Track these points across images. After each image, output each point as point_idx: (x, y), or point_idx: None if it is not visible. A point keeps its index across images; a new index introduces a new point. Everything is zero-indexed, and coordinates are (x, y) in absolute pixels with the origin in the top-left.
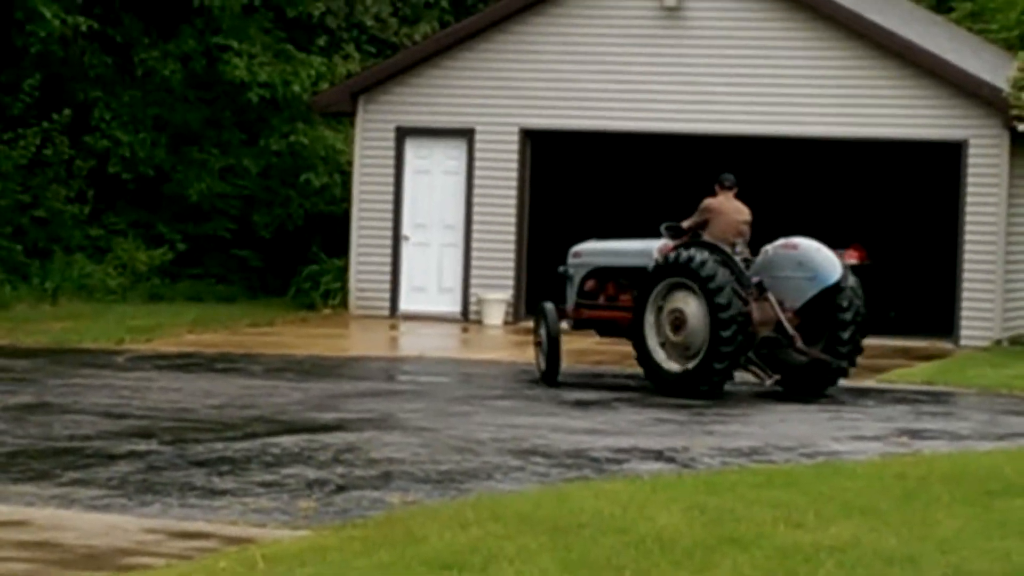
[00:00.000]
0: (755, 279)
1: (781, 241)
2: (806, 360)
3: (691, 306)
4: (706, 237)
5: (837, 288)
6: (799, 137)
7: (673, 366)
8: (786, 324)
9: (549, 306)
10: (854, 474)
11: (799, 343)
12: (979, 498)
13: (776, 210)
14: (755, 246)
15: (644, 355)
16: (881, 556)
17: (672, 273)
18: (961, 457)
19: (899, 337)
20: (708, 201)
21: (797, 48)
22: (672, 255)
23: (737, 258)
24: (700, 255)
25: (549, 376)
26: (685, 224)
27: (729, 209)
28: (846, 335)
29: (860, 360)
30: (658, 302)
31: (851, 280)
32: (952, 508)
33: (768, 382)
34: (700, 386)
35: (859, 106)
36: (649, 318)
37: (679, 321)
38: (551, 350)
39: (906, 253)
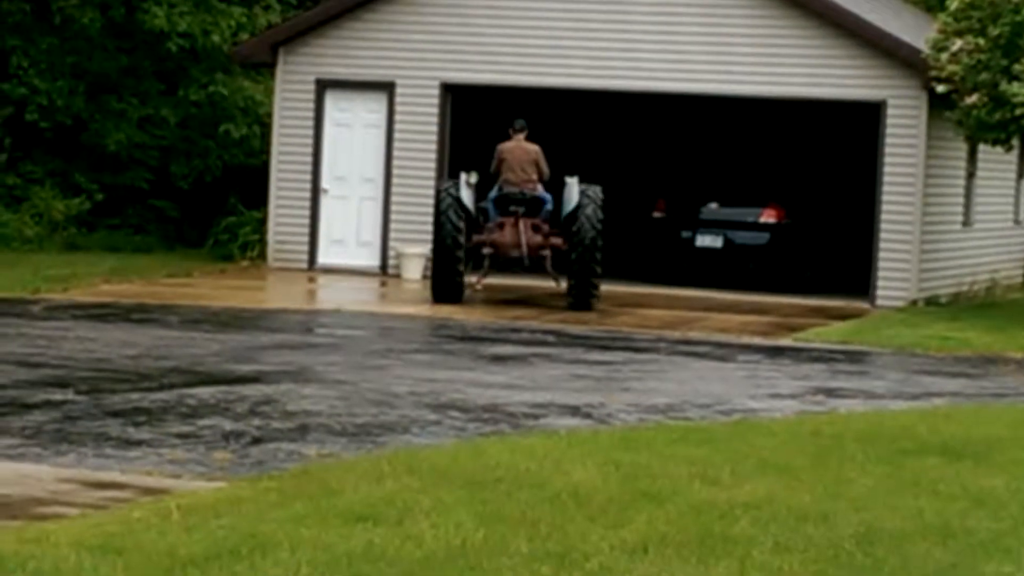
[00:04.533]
0: (520, 210)
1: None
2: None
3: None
4: (503, 176)
5: (572, 218)
6: (719, 95)
7: None
8: (524, 247)
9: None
10: (769, 432)
11: (546, 264)
12: (892, 457)
13: (695, 167)
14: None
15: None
16: (795, 513)
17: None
18: (875, 416)
19: (816, 296)
20: (499, 146)
21: (717, 6)
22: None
23: (512, 189)
24: (443, 187)
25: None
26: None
27: (518, 151)
28: (573, 257)
29: (777, 319)
30: None
31: (586, 211)
32: (866, 466)
33: (478, 285)
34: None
35: (779, 65)
36: None
37: None
38: None
39: (824, 213)
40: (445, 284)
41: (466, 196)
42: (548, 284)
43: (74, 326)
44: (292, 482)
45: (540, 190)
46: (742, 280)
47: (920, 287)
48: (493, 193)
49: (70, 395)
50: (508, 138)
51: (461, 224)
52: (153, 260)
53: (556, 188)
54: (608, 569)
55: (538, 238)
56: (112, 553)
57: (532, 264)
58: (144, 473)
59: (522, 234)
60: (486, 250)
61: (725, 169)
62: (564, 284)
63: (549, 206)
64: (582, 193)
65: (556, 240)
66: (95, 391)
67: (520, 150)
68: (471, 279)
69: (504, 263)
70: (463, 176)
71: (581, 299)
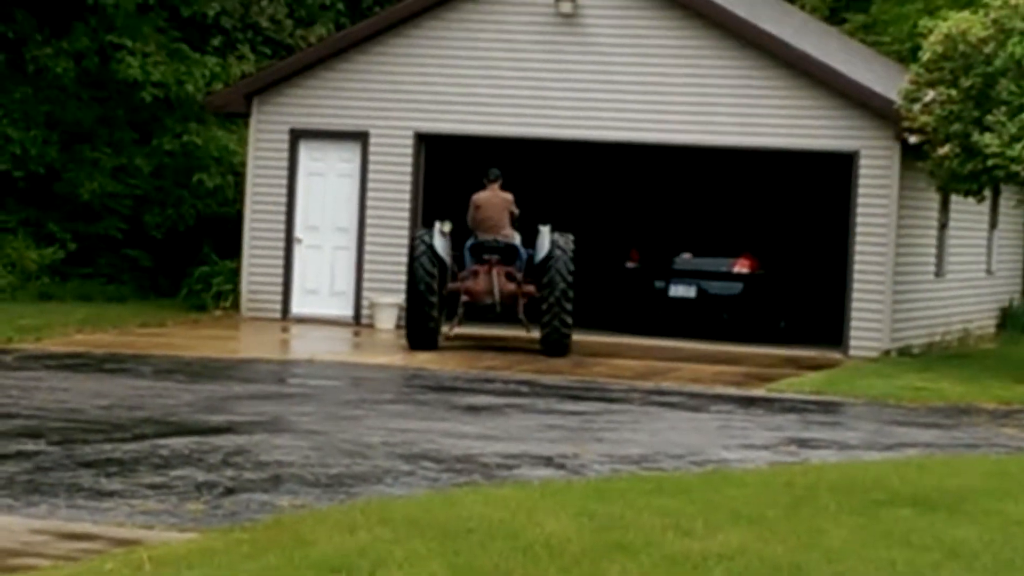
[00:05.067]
0: (494, 258)
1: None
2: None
3: None
4: (478, 225)
5: (543, 265)
6: (692, 145)
7: None
8: (496, 294)
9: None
10: (743, 482)
11: (518, 311)
12: (866, 508)
13: (669, 217)
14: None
15: None
16: (768, 564)
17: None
18: (849, 467)
19: (789, 346)
20: (474, 196)
21: (691, 57)
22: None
23: (486, 237)
24: (418, 235)
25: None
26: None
27: (493, 199)
28: (544, 305)
29: (750, 369)
30: None
31: (557, 258)
32: (839, 517)
33: (451, 333)
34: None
35: (752, 116)
36: None
37: None
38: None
39: (797, 263)
40: (420, 331)
41: (440, 244)
42: (522, 333)
43: (47, 376)
44: (265, 533)
45: (516, 239)
46: (715, 330)
47: (893, 337)
48: (469, 241)
49: (42, 446)
50: (483, 187)
51: (434, 272)
52: (126, 310)
53: (529, 237)
54: None
55: (511, 285)
56: None
57: (504, 311)
58: (116, 524)
59: (495, 281)
60: (463, 297)
61: (698, 219)
62: (536, 332)
63: (524, 254)
64: (553, 241)
65: (529, 287)
66: (67, 442)
67: (495, 199)
68: (444, 328)
69: (478, 310)
70: (437, 225)
71: (554, 345)
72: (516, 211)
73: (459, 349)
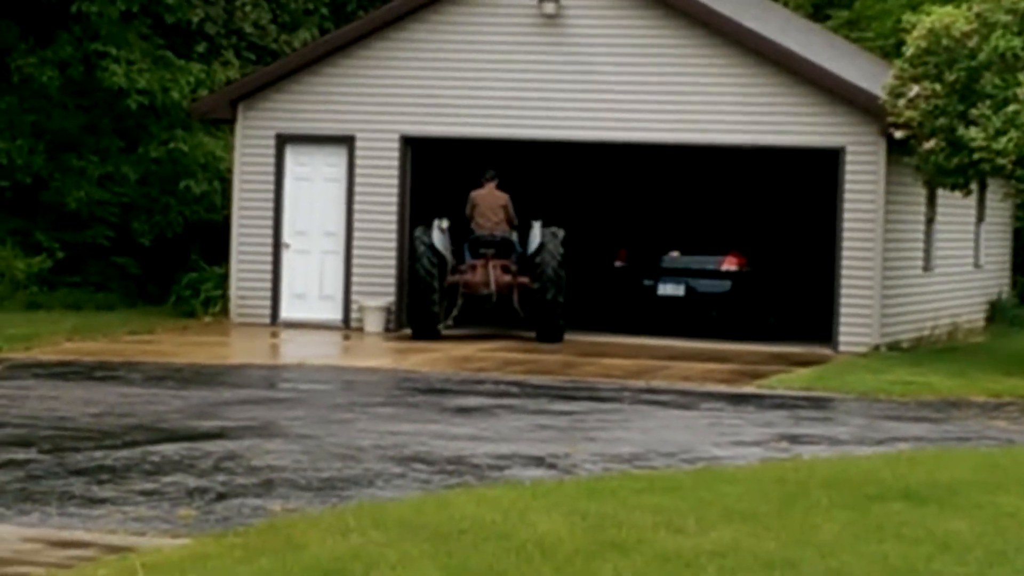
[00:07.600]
0: (490, 252)
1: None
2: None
3: None
4: (475, 220)
5: (536, 256)
6: (677, 144)
7: None
8: (492, 286)
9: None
10: (734, 479)
11: (513, 301)
12: (857, 502)
13: (657, 216)
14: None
15: None
16: (761, 560)
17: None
18: (840, 462)
19: (778, 343)
20: (472, 193)
21: (674, 56)
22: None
23: (483, 232)
24: (418, 232)
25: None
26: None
27: (489, 197)
28: (537, 287)
29: (740, 367)
30: None
31: (545, 252)
32: (831, 512)
33: (449, 322)
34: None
35: (737, 113)
36: None
37: None
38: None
39: (785, 260)
40: (423, 323)
41: (439, 241)
42: (519, 331)
43: (37, 385)
44: (257, 538)
45: (512, 234)
46: (704, 328)
47: (882, 332)
48: (469, 237)
49: (33, 454)
50: (479, 186)
51: (434, 267)
52: (115, 317)
53: (521, 235)
54: None
55: (507, 277)
56: None
57: (500, 302)
58: (108, 531)
59: (491, 274)
60: (462, 289)
61: (686, 218)
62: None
63: (519, 248)
64: (544, 233)
65: (523, 279)
66: (58, 450)
67: (491, 197)
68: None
69: (475, 301)
70: (436, 222)
71: (549, 330)
72: (514, 216)
73: (457, 340)
